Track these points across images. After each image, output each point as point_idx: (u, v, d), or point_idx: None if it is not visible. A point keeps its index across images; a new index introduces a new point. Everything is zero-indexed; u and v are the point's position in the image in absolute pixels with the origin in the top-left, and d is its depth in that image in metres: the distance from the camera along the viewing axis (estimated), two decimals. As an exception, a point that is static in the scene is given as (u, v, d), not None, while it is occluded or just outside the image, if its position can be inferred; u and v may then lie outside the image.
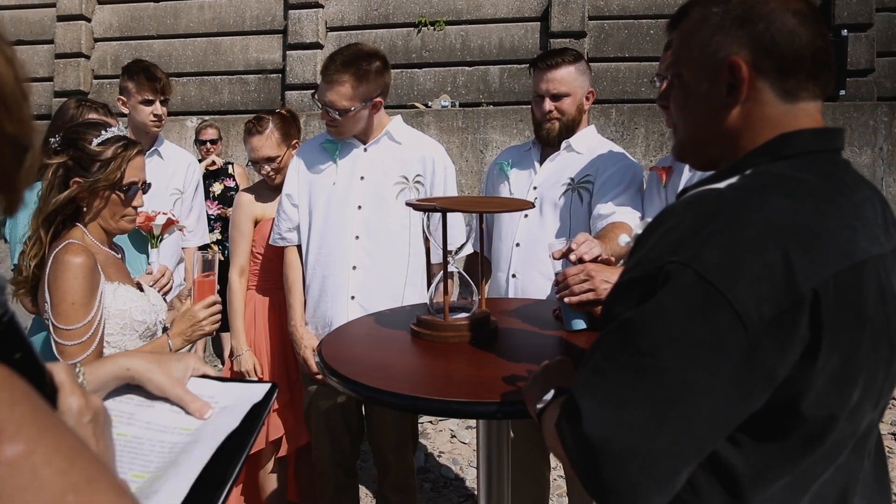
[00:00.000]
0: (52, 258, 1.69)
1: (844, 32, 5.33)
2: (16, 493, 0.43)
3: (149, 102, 3.03)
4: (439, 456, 3.99)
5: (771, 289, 0.83)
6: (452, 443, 4.15)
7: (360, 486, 3.43)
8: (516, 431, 2.55)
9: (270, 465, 2.84)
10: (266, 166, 2.77)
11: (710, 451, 0.88)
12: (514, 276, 2.40)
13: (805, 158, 0.98)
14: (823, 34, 1.00)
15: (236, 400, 0.89)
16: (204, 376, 0.93)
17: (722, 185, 0.96)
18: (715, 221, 0.88)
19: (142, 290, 1.89)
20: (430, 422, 4.39)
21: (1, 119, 0.51)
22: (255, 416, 0.86)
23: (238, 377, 2.73)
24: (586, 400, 0.88)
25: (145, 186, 1.90)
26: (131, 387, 0.89)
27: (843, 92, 5.35)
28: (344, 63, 2.33)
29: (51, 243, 1.75)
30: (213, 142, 5.17)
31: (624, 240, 1.59)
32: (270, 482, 2.84)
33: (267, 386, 0.92)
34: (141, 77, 3.00)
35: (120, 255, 1.94)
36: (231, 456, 0.78)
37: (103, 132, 1.80)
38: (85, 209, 1.80)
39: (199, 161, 5.21)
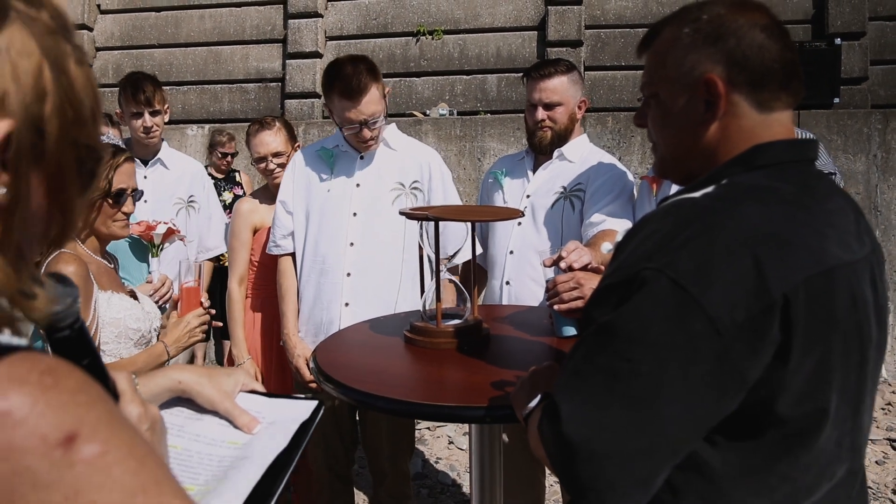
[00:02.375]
0: (44, 268, 1.72)
1: (838, 41, 5.36)
2: (91, 490, 0.45)
3: (137, 115, 3.05)
4: (436, 462, 4.01)
5: (743, 294, 0.86)
6: (450, 449, 4.17)
7: (357, 490, 3.45)
8: (511, 437, 2.58)
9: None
10: (273, 161, 2.80)
11: (686, 451, 0.91)
12: (507, 283, 2.44)
13: (779, 168, 1.01)
14: (790, 46, 1.04)
15: (282, 416, 0.90)
16: (252, 392, 0.94)
17: (697, 194, 1.00)
18: (689, 229, 0.91)
19: (135, 298, 1.92)
20: (428, 428, 4.41)
21: (77, 133, 0.54)
22: (301, 432, 0.87)
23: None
24: (566, 401, 0.91)
25: (136, 194, 1.93)
26: (181, 399, 0.91)
27: (837, 100, 5.38)
28: (356, 73, 2.31)
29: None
30: (233, 155, 5.18)
31: (606, 247, 1.63)
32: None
33: (313, 404, 0.92)
34: (128, 91, 3.02)
35: (113, 265, 1.97)
36: (278, 471, 0.80)
37: None
38: None
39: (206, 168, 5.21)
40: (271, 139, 2.80)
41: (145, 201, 3.14)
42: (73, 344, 0.61)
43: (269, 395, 0.95)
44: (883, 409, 4.70)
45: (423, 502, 3.56)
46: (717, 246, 0.89)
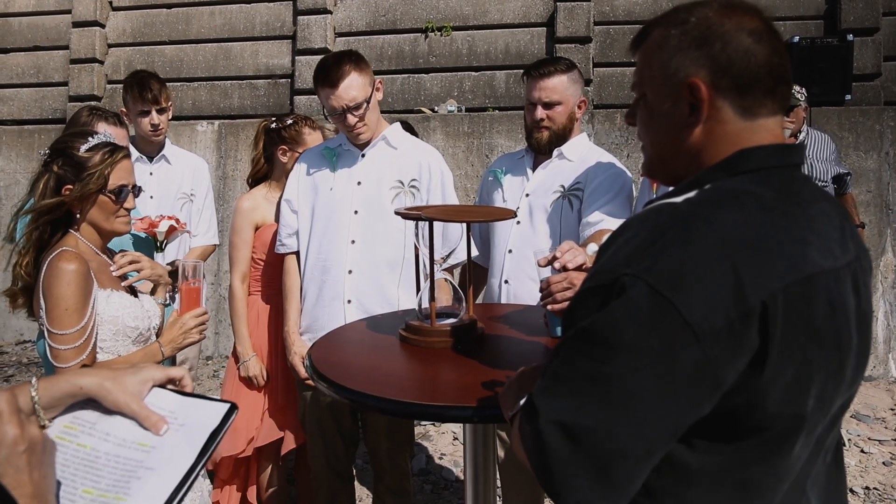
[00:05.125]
0: (46, 265, 1.74)
1: (850, 37, 5.30)
2: None
3: (144, 114, 3.09)
4: (440, 458, 4.03)
5: (721, 300, 0.86)
6: (454, 445, 4.18)
7: (360, 485, 3.48)
8: (512, 437, 2.58)
9: (270, 466, 2.88)
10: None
11: (662, 454, 0.92)
12: (506, 281, 2.44)
13: (763, 173, 1.01)
14: (779, 51, 1.03)
15: (193, 419, 0.89)
16: (165, 385, 0.93)
17: (679, 199, 1.00)
18: (668, 234, 0.92)
19: (136, 295, 1.94)
20: (433, 424, 4.42)
21: None
22: (210, 441, 0.86)
23: (245, 382, 2.79)
24: (544, 403, 0.92)
25: (136, 190, 1.94)
26: None
27: (848, 96, 5.32)
28: (337, 62, 2.39)
29: (44, 250, 1.80)
30: None
31: (592, 249, 1.63)
32: (271, 482, 2.89)
33: (225, 407, 0.90)
34: (135, 90, 3.07)
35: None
36: (181, 481, 0.80)
37: (90, 139, 1.86)
38: (78, 215, 1.85)
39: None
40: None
41: (151, 197, 3.17)
42: None
43: (182, 393, 0.93)
44: (892, 409, 4.67)
45: (427, 498, 3.58)
46: (695, 252, 0.89)
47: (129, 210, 1.93)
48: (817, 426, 0.96)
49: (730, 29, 1.01)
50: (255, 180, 2.99)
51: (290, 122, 2.85)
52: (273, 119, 2.93)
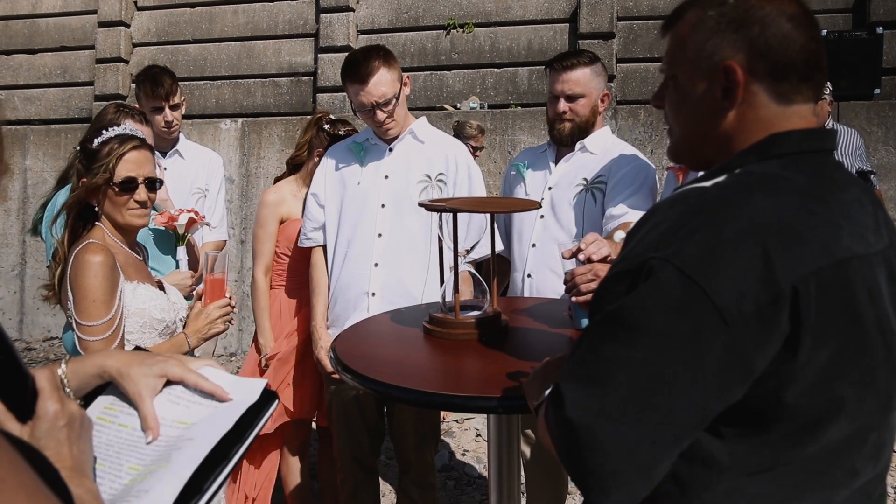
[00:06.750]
0: (73, 257, 1.76)
1: (880, 30, 5.21)
2: None
3: (157, 110, 3.10)
4: (463, 454, 4.02)
5: (751, 284, 0.85)
6: (477, 441, 4.18)
7: (383, 480, 3.48)
8: (538, 427, 2.57)
9: (294, 460, 2.90)
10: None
11: (689, 441, 0.90)
12: (529, 275, 2.43)
13: (794, 158, 0.99)
14: (816, 37, 1.02)
15: (235, 396, 0.88)
16: (186, 376, 0.90)
17: (708, 183, 0.98)
18: (697, 218, 0.90)
19: (162, 289, 1.96)
20: (456, 420, 4.42)
21: None
22: (248, 423, 0.85)
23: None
24: (571, 389, 0.91)
25: (151, 182, 1.90)
26: None
27: (877, 90, 5.23)
28: (366, 57, 2.38)
29: (72, 243, 1.82)
30: (481, 149, 4.89)
31: (619, 236, 1.62)
32: (294, 477, 2.91)
33: (262, 383, 0.90)
34: (146, 86, 3.07)
35: (142, 257, 2.00)
36: (214, 466, 0.79)
37: (104, 132, 1.86)
38: (96, 208, 1.86)
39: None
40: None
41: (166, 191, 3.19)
42: None
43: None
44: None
45: (450, 494, 3.58)
46: (725, 236, 0.87)
47: (140, 203, 1.87)
48: (859, 411, 0.94)
49: (769, 12, 0.99)
50: (293, 166, 2.96)
51: (342, 132, 2.79)
52: (333, 119, 2.87)
